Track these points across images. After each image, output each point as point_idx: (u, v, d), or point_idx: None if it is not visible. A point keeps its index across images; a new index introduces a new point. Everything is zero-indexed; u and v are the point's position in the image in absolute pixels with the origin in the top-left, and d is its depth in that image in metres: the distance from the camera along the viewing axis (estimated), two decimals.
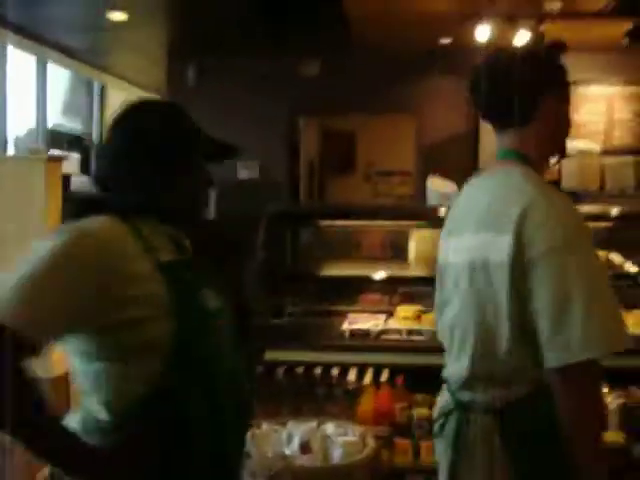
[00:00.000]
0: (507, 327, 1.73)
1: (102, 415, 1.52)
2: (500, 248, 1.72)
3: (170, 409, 1.53)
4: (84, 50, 6.78)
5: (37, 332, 1.40)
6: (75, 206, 1.68)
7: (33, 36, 6.06)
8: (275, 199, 6.20)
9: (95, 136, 8.54)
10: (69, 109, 8.10)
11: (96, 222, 1.55)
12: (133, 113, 1.71)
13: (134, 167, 1.64)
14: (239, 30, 5.91)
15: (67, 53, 6.70)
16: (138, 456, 1.49)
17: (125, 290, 1.49)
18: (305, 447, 2.66)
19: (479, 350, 1.83)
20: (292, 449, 2.66)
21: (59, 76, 7.54)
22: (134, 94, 8.54)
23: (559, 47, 1.95)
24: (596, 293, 1.64)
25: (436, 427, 2.03)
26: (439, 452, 2.02)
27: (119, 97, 8.66)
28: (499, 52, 1.98)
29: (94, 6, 5.18)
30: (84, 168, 7.81)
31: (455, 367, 1.93)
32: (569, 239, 1.67)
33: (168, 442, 1.52)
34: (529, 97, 1.86)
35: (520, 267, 1.69)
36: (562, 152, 2.01)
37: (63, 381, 3.88)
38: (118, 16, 5.31)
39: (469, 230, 1.88)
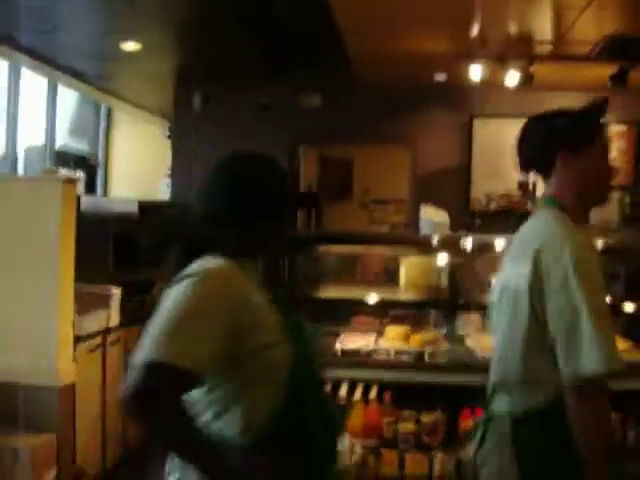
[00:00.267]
0: (523, 341, 1.99)
1: (231, 434, 1.66)
2: (524, 276, 1.98)
3: (295, 426, 1.70)
4: (94, 75, 6.96)
5: (193, 365, 1.54)
6: (186, 246, 1.79)
7: (46, 60, 6.18)
8: None
9: (100, 156, 8.78)
10: (76, 130, 8.28)
11: (217, 264, 1.70)
12: (242, 162, 1.89)
13: (246, 212, 1.80)
14: (244, 61, 6.16)
15: (78, 77, 6.84)
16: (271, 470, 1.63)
17: (253, 320, 1.67)
18: None
19: (501, 360, 2.11)
20: None
21: (67, 97, 7.70)
22: (140, 117, 8.77)
23: (595, 108, 2.20)
24: (601, 321, 1.87)
25: (471, 435, 2.27)
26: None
27: (125, 119, 8.91)
28: (537, 116, 2.21)
29: (108, 36, 5.35)
30: (89, 187, 8.03)
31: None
32: (580, 274, 1.90)
33: (294, 456, 1.69)
34: (542, 155, 2.14)
35: (538, 294, 1.94)
36: (601, 199, 2.17)
37: (70, 390, 4.12)
38: (131, 46, 5.48)
39: (508, 263, 2.16)
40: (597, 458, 1.87)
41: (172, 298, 1.62)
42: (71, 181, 4.13)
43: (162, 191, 8.76)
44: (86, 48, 5.84)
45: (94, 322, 4.52)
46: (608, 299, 2.13)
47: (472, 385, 3.44)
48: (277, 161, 1.91)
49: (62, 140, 7.70)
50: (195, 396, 1.69)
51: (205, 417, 1.69)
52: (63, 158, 7.62)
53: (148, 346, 1.54)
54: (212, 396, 1.69)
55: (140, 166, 8.73)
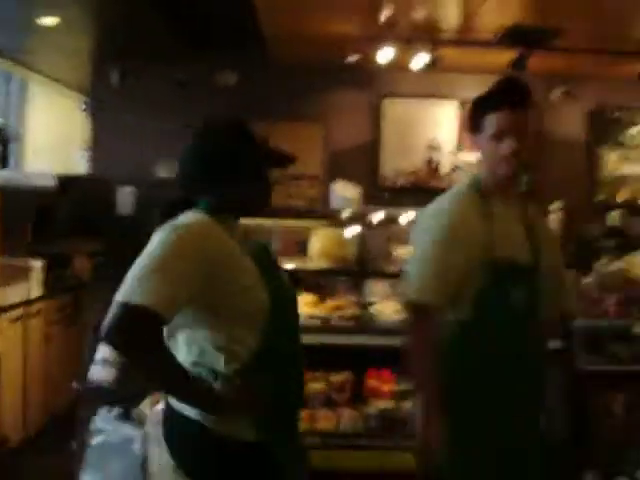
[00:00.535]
0: None
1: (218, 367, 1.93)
2: None
3: (271, 364, 1.95)
4: (9, 48, 6.89)
5: (167, 309, 1.79)
6: (168, 207, 2.06)
7: None
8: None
9: (14, 129, 8.70)
10: None
11: (195, 218, 1.96)
12: (216, 130, 2.11)
13: (220, 174, 2.04)
14: (161, 38, 6.23)
15: None
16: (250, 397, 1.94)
17: (232, 265, 1.93)
18: None
19: None
20: None
21: None
22: (55, 90, 8.72)
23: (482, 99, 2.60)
24: (424, 264, 2.48)
25: None
26: None
27: (39, 92, 8.84)
28: None
29: (26, 10, 5.38)
30: (3, 161, 7.97)
31: None
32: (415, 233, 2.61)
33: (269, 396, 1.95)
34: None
35: None
36: (498, 180, 2.50)
37: None
38: (49, 21, 5.51)
39: None
40: (417, 371, 2.45)
41: (153, 244, 1.86)
42: None
43: (78, 163, 8.77)
44: (1, 22, 5.82)
45: (15, 294, 4.64)
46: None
47: (377, 347, 3.79)
48: (248, 125, 2.11)
49: None
50: (181, 336, 1.95)
51: (190, 357, 1.94)
52: None
53: (127, 287, 1.79)
54: (197, 335, 1.94)
55: (55, 139, 8.68)
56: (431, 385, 2.38)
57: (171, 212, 2.02)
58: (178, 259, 1.85)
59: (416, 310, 2.43)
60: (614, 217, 6.65)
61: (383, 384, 3.87)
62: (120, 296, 1.78)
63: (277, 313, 1.97)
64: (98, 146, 7.26)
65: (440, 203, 2.56)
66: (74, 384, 3.81)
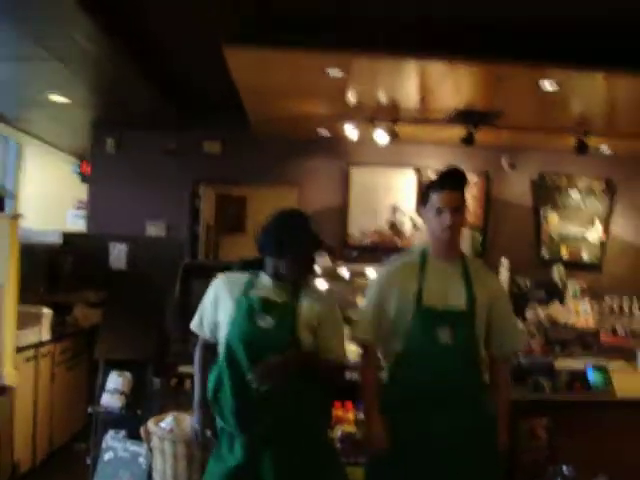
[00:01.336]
0: None
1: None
2: None
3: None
4: (13, 118, 7.61)
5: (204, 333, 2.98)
6: (240, 265, 3.06)
7: None
8: (178, 254, 6.99)
9: (10, 189, 9.32)
10: None
11: (235, 273, 3.02)
12: (285, 214, 3.01)
13: (279, 244, 2.88)
14: (153, 112, 7.02)
15: None
16: None
17: (224, 307, 2.92)
18: None
19: None
20: None
21: None
22: (49, 153, 9.39)
23: (430, 185, 3.24)
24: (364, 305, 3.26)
25: None
26: None
27: (34, 154, 9.49)
28: None
29: (41, 90, 6.11)
30: None
31: None
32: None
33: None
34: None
35: None
36: (438, 245, 3.19)
37: (12, 393, 4.85)
38: (60, 99, 6.27)
39: None
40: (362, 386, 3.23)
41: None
42: (15, 217, 4.91)
43: (69, 222, 9.40)
44: (15, 98, 6.57)
45: (29, 337, 5.29)
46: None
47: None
48: (308, 218, 3.01)
49: None
50: None
51: None
52: None
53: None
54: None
55: (48, 198, 9.29)
56: (370, 396, 3.19)
57: (244, 267, 3.03)
58: (209, 298, 3.02)
59: (360, 345, 3.29)
60: (559, 270, 7.45)
61: (346, 413, 4.55)
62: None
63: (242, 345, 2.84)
64: (94, 207, 7.90)
65: (388, 262, 3.33)
66: (89, 409, 4.47)
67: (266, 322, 2.85)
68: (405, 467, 3.09)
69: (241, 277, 2.96)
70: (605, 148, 7.54)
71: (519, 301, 5.43)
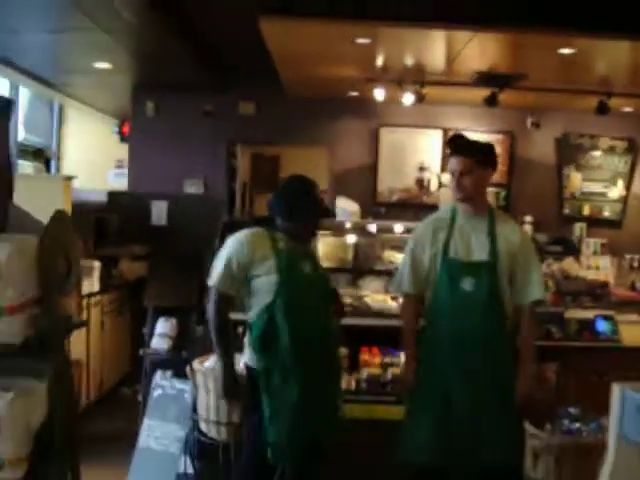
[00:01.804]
0: None
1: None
2: None
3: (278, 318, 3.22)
4: (61, 84, 7.96)
5: (223, 289, 3.24)
6: (253, 222, 3.48)
7: (14, 66, 6.89)
8: (215, 211, 7.43)
9: (54, 149, 9.76)
10: (30, 124, 8.99)
11: (252, 230, 3.33)
12: (295, 181, 3.41)
13: (290, 212, 3.32)
14: (190, 74, 7.31)
15: (43, 83, 7.72)
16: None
17: (257, 261, 3.23)
18: None
19: None
20: None
21: (21, 95, 8.36)
22: (90, 114, 9.76)
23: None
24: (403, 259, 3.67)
25: None
26: None
27: (75, 115, 9.91)
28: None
29: (86, 58, 6.45)
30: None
31: None
32: None
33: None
34: None
35: None
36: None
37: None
38: (103, 65, 6.60)
39: None
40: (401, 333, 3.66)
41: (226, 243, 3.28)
42: (69, 178, 5.34)
43: (110, 181, 9.79)
44: (62, 66, 6.94)
45: (83, 287, 5.75)
46: None
47: (368, 328, 4.83)
48: (316, 186, 3.41)
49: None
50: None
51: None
52: (23, 151, 8.57)
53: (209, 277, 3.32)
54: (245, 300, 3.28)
55: (89, 158, 9.68)
56: (410, 344, 3.60)
57: (256, 224, 3.41)
58: (230, 255, 3.27)
59: (401, 296, 3.71)
60: (580, 228, 7.75)
61: (372, 357, 4.94)
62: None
63: (286, 288, 3.23)
64: (135, 168, 8.28)
65: (425, 219, 3.73)
66: (140, 351, 4.93)
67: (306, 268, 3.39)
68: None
69: (263, 234, 3.33)
70: (627, 108, 7.72)
71: None
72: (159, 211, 7.79)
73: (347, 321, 4.66)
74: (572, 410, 4.45)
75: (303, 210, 3.32)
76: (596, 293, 5.13)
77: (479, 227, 3.53)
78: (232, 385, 3.37)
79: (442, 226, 3.57)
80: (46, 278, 2.22)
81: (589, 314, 4.94)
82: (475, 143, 3.66)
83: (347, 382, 4.74)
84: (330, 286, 3.60)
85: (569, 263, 5.32)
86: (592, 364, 4.67)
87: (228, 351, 3.35)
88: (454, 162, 3.50)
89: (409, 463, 3.54)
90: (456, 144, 3.60)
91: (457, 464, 3.47)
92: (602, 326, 4.85)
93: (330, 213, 3.55)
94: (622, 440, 2.43)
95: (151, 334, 4.85)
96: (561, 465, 4.25)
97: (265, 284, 3.21)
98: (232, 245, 3.26)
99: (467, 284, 3.45)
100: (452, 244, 3.51)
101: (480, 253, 3.48)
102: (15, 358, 2.18)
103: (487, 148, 3.61)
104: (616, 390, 2.41)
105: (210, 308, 3.27)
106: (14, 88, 7.91)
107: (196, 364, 4.26)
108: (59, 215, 2.42)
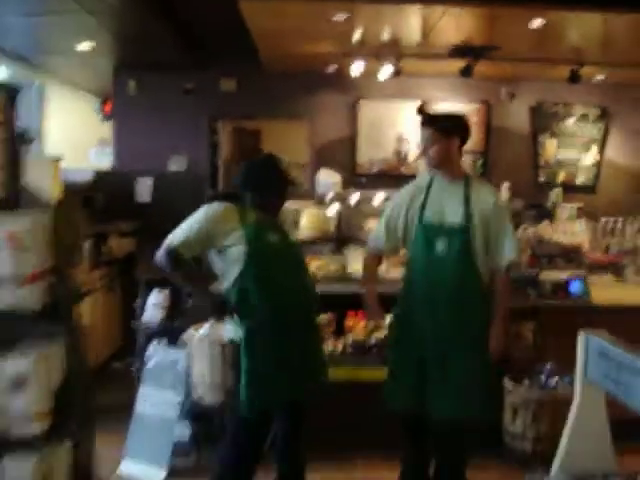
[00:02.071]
0: None
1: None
2: None
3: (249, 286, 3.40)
4: (41, 64, 7.99)
5: (183, 249, 3.35)
6: (218, 196, 3.56)
7: None
8: (199, 186, 7.62)
9: (36, 129, 9.75)
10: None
11: (223, 204, 3.45)
12: (261, 158, 3.69)
13: (257, 186, 3.51)
14: (171, 53, 7.40)
15: (23, 64, 7.71)
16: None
17: (224, 233, 3.36)
18: None
19: None
20: None
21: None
22: (71, 93, 9.78)
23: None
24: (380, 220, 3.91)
25: None
26: None
27: (56, 94, 9.87)
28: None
29: (68, 39, 6.54)
30: None
31: None
32: None
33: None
34: None
35: None
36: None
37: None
38: (86, 46, 6.70)
39: None
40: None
41: (196, 212, 3.37)
42: (57, 160, 5.41)
43: (92, 159, 9.83)
44: (44, 47, 7.00)
45: None
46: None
47: (352, 294, 4.99)
48: (280, 160, 3.59)
49: None
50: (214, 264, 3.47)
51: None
52: None
53: (171, 234, 3.36)
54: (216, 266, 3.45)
55: (71, 137, 9.69)
56: (370, 286, 3.91)
57: (215, 199, 3.50)
58: (205, 222, 3.39)
59: (372, 252, 3.93)
60: (556, 194, 7.94)
61: (357, 322, 5.13)
62: (167, 239, 3.37)
63: (254, 259, 3.40)
64: (119, 146, 8.38)
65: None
66: (133, 323, 5.09)
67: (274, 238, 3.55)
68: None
69: (232, 208, 3.49)
70: (600, 77, 7.93)
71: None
72: (144, 188, 7.87)
73: (332, 288, 4.94)
74: (549, 366, 4.70)
75: (270, 182, 3.53)
76: (570, 256, 5.35)
77: (455, 192, 3.70)
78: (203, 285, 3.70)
79: (419, 192, 3.77)
80: (60, 250, 2.43)
81: (563, 275, 5.15)
82: (439, 115, 3.89)
83: (334, 346, 4.95)
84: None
85: (543, 227, 5.54)
86: (566, 323, 4.88)
87: (186, 278, 3.62)
88: (421, 134, 3.73)
89: (395, 413, 3.78)
90: (422, 117, 3.81)
91: (435, 419, 3.67)
92: (575, 287, 5.07)
93: (293, 183, 3.70)
94: (586, 383, 2.65)
95: (143, 307, 5.02)
96: (538, 419, 4.50)
97: (235, 254, 3.38)
98: (200, 214, 3.43)
99: (441, 246, 3.64)
100: (427, 208, 3.71)
101: (454, 217, 3.65)
102: (34, 323, 2.41)
103: (452, 119, 3.80)
104: (581, 337, 2.62)
105: (160, 259, 3.41)
106: None
107: (191, 331, 4.46)
108: (67, 194, 2.62)
